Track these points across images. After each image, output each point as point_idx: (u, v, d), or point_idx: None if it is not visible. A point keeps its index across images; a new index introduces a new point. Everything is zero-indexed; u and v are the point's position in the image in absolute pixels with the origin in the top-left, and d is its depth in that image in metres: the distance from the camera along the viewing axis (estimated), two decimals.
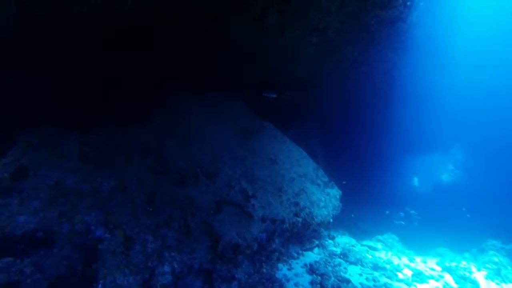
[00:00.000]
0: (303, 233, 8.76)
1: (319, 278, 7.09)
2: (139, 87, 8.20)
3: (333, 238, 9.78)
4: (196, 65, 8.31)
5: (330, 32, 9.28)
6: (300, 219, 8.00)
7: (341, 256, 8.61)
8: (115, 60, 7.99)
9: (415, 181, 13.73)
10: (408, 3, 8.71)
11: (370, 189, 13.01)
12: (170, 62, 8.23)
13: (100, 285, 4.74)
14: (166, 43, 8.32)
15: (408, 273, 8.44)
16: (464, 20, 13.02)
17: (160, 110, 6.99)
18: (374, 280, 7.61)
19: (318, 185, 9.47)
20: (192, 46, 8.55)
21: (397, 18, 9.18)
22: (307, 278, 7.17)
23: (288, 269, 7.38)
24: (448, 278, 8.58)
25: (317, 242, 8.99)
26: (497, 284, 8.58)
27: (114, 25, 6.98)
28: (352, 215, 12.24)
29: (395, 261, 9.11)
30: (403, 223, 10.99)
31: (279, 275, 6.98)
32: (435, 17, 9.81)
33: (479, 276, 8.92)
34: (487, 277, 8.88)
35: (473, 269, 9.34)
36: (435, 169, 14.88)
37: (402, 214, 11.67)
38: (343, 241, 9.84)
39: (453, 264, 9.43)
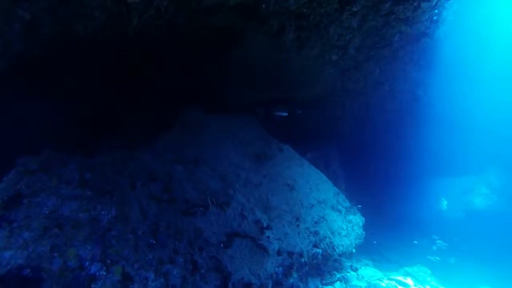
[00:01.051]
0: (323, 265, 7.88)
1: None
2: (146, 108, 7.74)
3: (356, 270, 8.80)
4: (208, 84, 7.82)
5: (351, 49, 8.64)
6: (320, 250, 7.15)
7: None
8: (121, 81, 7.60)
9: (444, 204, 12.58)
10: (435, 18, 8.00)
11: (394, 213, 11.98)
12: (180, 81, 7.77)
13: None
14: (176, 62, 7.89)
15: None
16: (499, 34, 12.16)
17: (168, 132, 6.43)
18: None
19: (339, 211, 8.61)
20: (205, 65, 8.08)
21: (423, 34, 8.46)
22: None
23: None
24: None
25: (338, 275, 8.06)
26: None
27: (121, 45, 6.58)
28: (375, 242, 11.21)
29: None
30: (438, 258, 9.87)
31: None
32: (466, 32, 9.04)
33: None
34: None
35: None
36: (467, 193, 13.67)
37: (435, 247, 10.55)
38: (367, 273, 8.84)
39: None
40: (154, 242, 5.03)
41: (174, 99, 7.97)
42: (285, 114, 9.25)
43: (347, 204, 9.14)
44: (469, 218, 12.97)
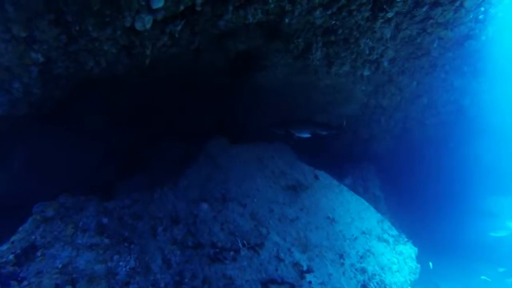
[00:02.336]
0: None
1: None
2: (169, 143, 7.23)
3: None
4: (231, 111, 7.24)
5: (384, 62, 7.79)
6: None
7: None
8: (144, 116, 7.19)
9: (510, 227, 10.89)
10: (481, 17, 7.01)
11: (445, 237, 10.54)
12: (202, 110, 7.26)
13: None
14: (197, 92, 7.41)
15: None
16: None
17: (192, 167, 5.80)
18: None
19: (387, 241, 7.47)
20: (227, 92, 7.55)
21: (466, 36, 7.47)
22: None
23: None
24: None
25: None
26: None
27: (140, 79, 6.18)
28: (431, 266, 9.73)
29: None
30: None
31: None
32: None
33: None
34: None
35: None
36: None
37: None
38: None
39: None
40: None
41: (197, 131, 7.44)
42: (306, 135, 7.52)
43: (394, 232, 7.98)
44: None
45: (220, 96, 8.08)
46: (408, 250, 7.54)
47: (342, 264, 5.67)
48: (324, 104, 8.84)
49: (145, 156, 7.00)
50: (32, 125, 5.99)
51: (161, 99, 7.70)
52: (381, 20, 5.83)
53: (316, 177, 7.22)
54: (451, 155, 10.16)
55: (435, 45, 7.41)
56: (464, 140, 9.88)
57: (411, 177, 10.68)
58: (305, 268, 4.96)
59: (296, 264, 4.90)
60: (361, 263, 6.25)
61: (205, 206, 5.19)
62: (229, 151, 6.23)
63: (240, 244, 4.76)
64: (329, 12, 5.28)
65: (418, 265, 7.59)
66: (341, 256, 5.74)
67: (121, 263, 4.22)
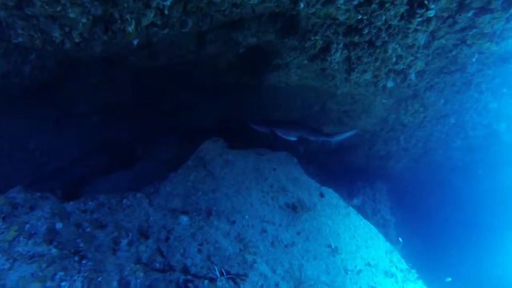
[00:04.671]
0: None
1: None
2: (160, 141, 6.26)
3: None
4: (234, 114, 6.23)
5: (412, 74, 6.58)
6: None
7: None
8: (137, 109, 6.27)
9: None
10: None
11: (461, 274, 9.13)
12: (203, 110, 6.28)
13: None
14: (197, 89, 6.44)
15: None
16: None
17: (178, 172, 4.79)
18: None
19: (394, 276, 6.23)
20: (231, 92, 6.54)
21: None
22: None
23: None
24: None
25: None
26: None
27: (135, 67, 5.26)
28: None
29: None
30: None
31: None
32: None
33: None
34: None
35: None
36: None
37: None
38: None
39: None
40: None
41: (197, 130, 6.44)
42: (293, 138, 6.29)
43: (404, 265, 6.73)
44: None
45: (226, 95, 7.09)
46: None
47: None
48: (340, 114, 7.70)
49: (136, 154, 6.06)
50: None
51: (160, 93, 6.79)
52: (418, 19, 4.64)
53: (322, 195, 6.08)
54: (478, 183, 8.78)
55: (473, 59, 6.15)
56: (495, 168, 8.49)
57: (428, 203, 9.36)
58: None
59: None
60: None
61: (184, 219, 4.16)
62: (225, 156, 5.19)
63: (217, 272, 3.71)
64: (355, 2, 4.16)
65: None
66: None
67: (63, 284, 3.24)
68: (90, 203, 3.88)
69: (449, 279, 6.69)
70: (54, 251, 3.44)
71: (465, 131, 8.15)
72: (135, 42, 4.00)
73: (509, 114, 7.47)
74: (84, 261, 3.43)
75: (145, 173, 5.17)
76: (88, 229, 3.68)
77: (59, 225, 3.64)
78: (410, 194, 9.80)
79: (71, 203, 3.78)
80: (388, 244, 6.89)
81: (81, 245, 3.54)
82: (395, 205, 9.59)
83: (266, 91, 6.90)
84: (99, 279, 3.41)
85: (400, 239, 7.34)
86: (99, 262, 3.49)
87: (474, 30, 5.52)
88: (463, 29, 5.53)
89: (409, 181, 9.73)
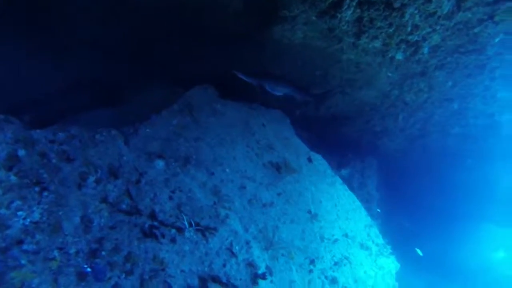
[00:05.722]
0: None
1: None
2: (155, 87, 5.77)
3: None
4: (231, 64, 5.68)
5: (425, 48, 5.99)
6: None
7: None
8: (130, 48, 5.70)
9: (500, 256, 9.45)
10: None
11: (432, 257, 9.15)
12: (204, 59, 5.72)
13: None
14: (201, 37, 5.85)
15: None
16: None
17: (160, 115, 4.37)
18: None
19: (369, 249, 6.11)
20: (233, 41, 5.94)
21: None
22: None
23: None
24: None
25: None
26: None
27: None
28: None
29: None
30: None
31: None
32: None
33: None
34: None
35: None
36: None
37: None
38: None
39: None
40: (89, 270, 3.04)
41: (189, 79, 5.93)
42: (279, 93, 6.01)
43: (380, 240, 6.60)
44: None
45: (228, 46, 6.48)
46: (390, 265, 6.20)
47: (311, 271, 4.34)
48: (342, 82, 7.15)
49: (123, 95, 5.59)
50: None
51: (159, 36, 6.17)
52: None
53: (310, 160, 5.75)
54: (467, 173, 8.47)
55: (496, 40, 5.53)
56: (486, 161, 8.14)
57: (413, 185, 9.13)
58: (262, 270, 3.65)
59: (251, 264, 3.58)
60: (334, 271, 4.93)
61: (160, 164, 3.82)
62: (214, 105, 4.75)
63: (185, 222, 3.43)
64: None
65: (396, 284, 6.29)
66: (312, 261, 4.40)
67: (20, 213, 2.94)
68: (60, 133, 3.49)
69: (419, 251, 6.64)
70: (13, 178, 3.10)
71: (466, 118, 7.68)
72: None
73: None
74: (45, 193, 3.11)
75: (128, 114, 4.74)
76: (54, 160, 3.33)
77: (21, 152, 3.27)
78: (398, 174, 9.54)
79: (38, 131, 3.39)
80: (369, 218, 6.72)
81: (44, 176, 3.20)
82: (382, 182, 9.36)
83: (268, 46, 6.28)
84: (60, 213, 3.12)
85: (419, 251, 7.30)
86: (62, 196, 3.18)
87: (508, 4, 4.85)
88: (495, 1, 4.86)
89: (399, 161, 9.42)
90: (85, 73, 5.60)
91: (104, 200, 3.33)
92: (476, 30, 5.49)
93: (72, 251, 3.06)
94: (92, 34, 5.54)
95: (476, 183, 8.64)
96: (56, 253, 2.98)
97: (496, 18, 5.05)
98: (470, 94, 7.23)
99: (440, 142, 8.30)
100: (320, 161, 5.88)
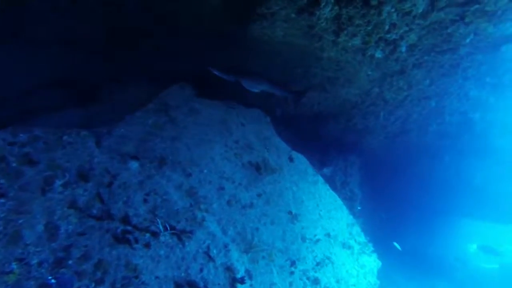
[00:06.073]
0: None
1: None
2: (132, 85, 5.53)
3: None
4: (209, 63, 5.51)
5: (403, 47, 6.01)
6: None
7: None
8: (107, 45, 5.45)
9: (472, 250, 9.70)
10: None
11: (413, 251, 9.27)
12: (182, 57, 5.53)
13: None
14: (180, 34, 5.66)
15: None
16: None
17: (134, 116, 4.16)
18: None
19: (351, 248, 6.09)
20: (209, 40, 5.78)
21: (507, 38, 5.69)
22: None
23: None
24: None
25: None
26: None
27: None
28: None
29: None
30: None
31: None
32: None
33: None
34: None
35: None
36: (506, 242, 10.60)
37: None
38: None
39: None
40: (53, 281, 2.82)
41: (167, 77, 5.74)
42: (256, 90, 5.77)
43: (362, 238, 6.60)
44: (504, 271, 9.95)
45: (207, 45, 6.31)
46: (372, 263, 6.20)
47: (292, 272, 4.24)
48: (323, 80, 7.11)
49: (97, 94, 5.32)
50: None
51: (136, 32, 5.93)
52: None
53: (291, 159, 5.66)
54: (444, 169, 8.63)
55: (467, 40, 5.62)
56: (461, 157, 8.32)
57: (393, 182, 9.23)
58: (241, 273, 3.51)
59: (229, 268, 3.44)
60: (316, 271, 4.85)
61: (134, 165, 3.62)
62: (191, 104, 4.58)
63: (160, 226, 3.25)
64: None
65: (378, 282, 6.29)
66: (293, 263, 4.30)
67: None
68: (21, 135, 3.23)
69: (397, 245, 6.71)
70: None
71: (443, 116, 7.82)
72: None
73: (486, 104, 7.13)
74: (2, 200, 2.86)
75: (102, 115, 4.49)
76: (14, 164, 3.08)
77: None
78: (380, 171, 9.62)
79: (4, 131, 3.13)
80: (351, 217, 6.70)
81: (2, 181, 2.95)
82: (364, 180, 9.41)
83: (248, 43, 6.16)
84: (20, 221, 2.88)
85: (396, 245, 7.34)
86: (23, 203, 2.94)
87: (476, 6, 4.94)
88: (465, 3, 4.94)
89: (381, 159, 9.50)
90: (58, 72, 5.30)
91: (73, 205, 3.11)
92: (449, 30, 5.56)
93: (34, 261, 2.83)
94: (66, 31, 5.25)
95: (452, 178, 8.82)
96: (14, 265, 2.74)
97: (466, 20, 5.12)
98: (446, 92, 7.36)
99: (419, 139, 8.41)
100: (301, 160, 5.81)
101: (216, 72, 5.18)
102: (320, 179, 6.27)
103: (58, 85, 5.47)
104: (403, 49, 6.06)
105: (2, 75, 4.83)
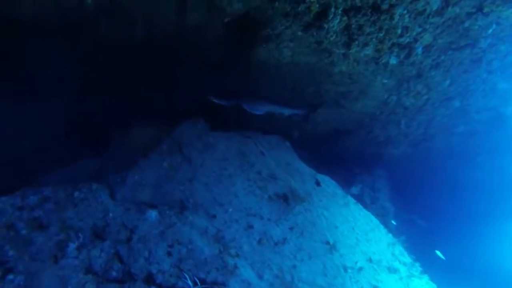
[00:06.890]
0: None
1: None
2: (141, 126, 5.31)
3: None
4: (218, 90, 5.27)
5: (418, 49, 5.65)
6: None
7: None
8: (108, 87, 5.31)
9: None
10: None
11: (461, 262, 8.42)
12: (189, 90, 5.33)
13: None
14: (183, 65, 5.50)
15: None
16: None
17: (148, 159, 3.86)
18: None
19: (398, 272, 5.44)
20: (219, 70, 5.58)
21: None
22: None
23: None
24: None
25: None
26: None
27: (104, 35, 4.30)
28: None
29: None
30: None
31: None
32: None
33: None
34: None
35: None
36: None
37: None
38: None
39: None
40: None
41: (177, 114, 5.50)
42: (259, 113, 5.22)
43: (407, 258, 5.94)
44: None
45: (213, 74, 6.13)
46: (424, 286, 5.51)
47: None
48: (337, 96, 6.76)
49: (109, 138, 5.11)
50: None
51: (140, 71, 5.82)
52: None
53: (317, 184, 5.20)
54: (479, 170, 7.96)
55: (489, 31, 5.22)
56: (497, 154, 7.65)
57: (426, 190, 8.56)
58: None
59: None
60: None
61: (152, 214, 3.26)
62: (205, 139, 4.26)
63: (189, 281, 2.83)
64: None
65: None
66: None
67: None
68: (31, 197, 2.95)
69: (440, 253, 6.00)
70: None
71: (469, 114, 7.27)
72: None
73: None
74: (10, 276, 2.52)
75: (114, 161, 4.23)
76: (24, 231, 2.76)
77: None
78: (408, 182, 8.98)
79: (3, 198, 2.84)
80: (390, 235, 6.09)
81: (10, 253, 2.63)
82: (393, 193, 8.78)
83: (255, 69, 5.93)
84: None
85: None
86: (34, 276, 2.59)
87: None
88: None
89: (407, 168, 8.90)
90: (68, 121, 5.15)
91: (89, 270, 2.74)
92: (466, 25, 5.18)
93: None
94: (73, 79, 5.15)
95: (490, 180, 8.10)
96: None
97: (485, 10, 4.75)
98: (468, 90, 6.87)
99: (446, 142, 7.84)
100: (328, 183, 5.34)
101: (215, 100, 4.81)
102: (351, 199, 5.75)
103: (65, 135, 5.31)
104: (419, 51, 5.69)
105: (12, 132, 4.69)
